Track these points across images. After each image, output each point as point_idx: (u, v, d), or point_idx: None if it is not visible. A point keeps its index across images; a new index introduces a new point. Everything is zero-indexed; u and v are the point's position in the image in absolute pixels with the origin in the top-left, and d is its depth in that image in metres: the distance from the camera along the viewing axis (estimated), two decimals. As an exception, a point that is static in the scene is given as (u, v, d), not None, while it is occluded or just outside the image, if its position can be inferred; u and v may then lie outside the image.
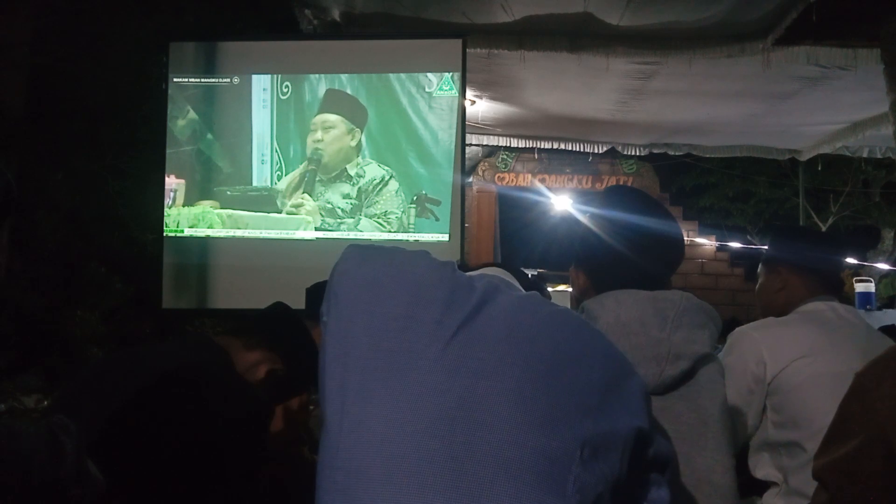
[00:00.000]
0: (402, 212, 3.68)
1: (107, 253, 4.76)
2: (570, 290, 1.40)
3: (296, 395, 1.55)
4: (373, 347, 0.80)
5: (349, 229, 3.72)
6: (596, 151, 6.66)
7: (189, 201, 3.83)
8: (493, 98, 5.10)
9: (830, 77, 4.11)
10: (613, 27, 3.71)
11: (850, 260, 7.04)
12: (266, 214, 3.78)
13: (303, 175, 3.77)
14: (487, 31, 3.83)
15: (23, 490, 0.85)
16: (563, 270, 4.88)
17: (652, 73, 4.26)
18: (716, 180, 9.12)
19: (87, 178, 4.77)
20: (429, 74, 3.71)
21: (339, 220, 3.73)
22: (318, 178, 3.76)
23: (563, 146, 6.43)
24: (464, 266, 1.07)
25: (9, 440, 0.86)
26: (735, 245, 8.20)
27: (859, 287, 5.66)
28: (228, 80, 3.85)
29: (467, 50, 3.68)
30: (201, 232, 3.81)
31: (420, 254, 0.90)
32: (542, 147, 6.58)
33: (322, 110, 3.79)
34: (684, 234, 2.46)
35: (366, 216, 3.71)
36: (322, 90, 3.80)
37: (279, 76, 3.82)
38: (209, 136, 3.85)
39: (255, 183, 3.82)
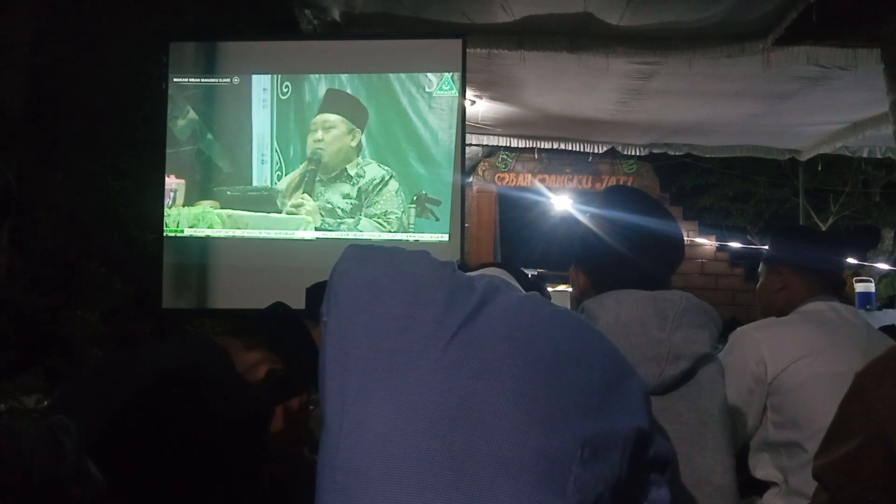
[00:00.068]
0: (402, 212, 3.68)
1: (107, 253, 4.76)
2: (570, 290, 1.40)
3: (296, 395, 1.55)
4: (373, 347, 0.80)
5: (349, 229, 3.72)
6: (596, 151, 6.66)
7: (189, 201, 3.83)
8: (493, 98, 5.10)
9: (830, 77, 4.11)
10: (613, 27, 3.71)
11: (851, 260, 7.04)
12: (266, 214, 3.78)
13: (303, 175, 3.77)
14: (487, 31, 3.83)
15: (23, 490, 0.85)
16: (563, 270, 4.87)
17: (652, 73, 4.26)
18: (716, 180, 9.12)
19: (87, 178, 4.77)
20: (429, 74, 3.71)
21: (339, 220, 3.74)
22: (318, 178, 3.76)
23: (563, 146, 6.43)
24: (464, 266, 1.07)
25: (9, 440, 0.86)
26: (735, 245, 8.20)
27: (859, 287, 5.66)
28: (228, 80, 3.85)
29: (467, 50, 3.68)
30: (201, 232, 3.81)
31: (420, 254, 0.90)
32: (542, 147, 6.58)
33: (322, 110, 3.79)
34: (684, 234, 2.46)
35: (366, 216, 3.71)
36: (322, 90, 3.80)
37: (279, 76, 3.82)
38: (209, 136, 3.85)
39: (255, 183, 3.82)
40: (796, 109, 4.88)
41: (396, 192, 3.69)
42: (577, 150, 6.53)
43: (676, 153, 6.47)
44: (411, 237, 3.65)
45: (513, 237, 8.26)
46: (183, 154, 3.85)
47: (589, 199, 5.45)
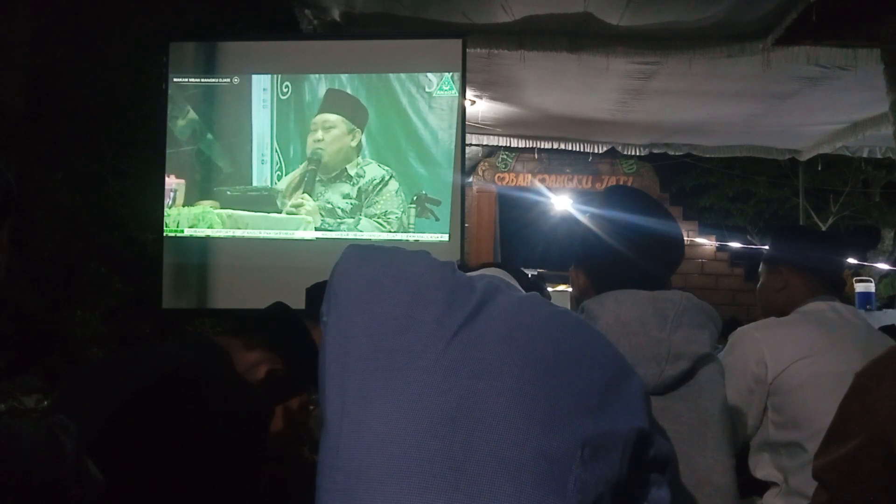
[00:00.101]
0: (402, 212, 3.68)
1: (107, 253, 4.77)
2: (570, 290, 1.40)
3: (296, 395, 1.55)
4: (373, 347, 0.80)
5: (349, 229, 3.72)
6: (596, 151, 6.66)
7: (189, 201, 3.83)
8: (493, 98, 5.10)
9: (830, 77, 4.11)
10: (613, 27, 3.71)
11: (851, 260, 7.04)
12: (266, 214, 3.78)
13: (303, 175, 3.77)
14: (487, 31, 3.83)
15: (23, 490, 0.85)
16: (563, 270, 4.87)
17: (652, 73, 4.26)
18: (716, 180, 9.12)
19: (87, 178, 4.78)
20: (429, 74, 3.71)
21: (339, 220, 3.73)
22: (318, 178, 3.76)
23: (563, 146, 6.43)
24: (464, 266, 1.07)
25: (9, 440, 0.86)
26: (735, 245, 8.20)
27: (859, 287, 5.66)
28: (228, 80, 3.85)
29: (467, 50, 3.68)
30: (201, 232, 3.81)
31: (420, 254, 0.90)
32: (542, 147, 6.58)
33: (323, 110, 3.79)
34: (684, 234, 2.46)
35: (366, 216, 3.71)
36: (322, 90, 3.80)
37: (279, 76, 3.82)
38: (209, 136, 3.85)
39: (255, 183, 3.82)
40: (796, 109, 4.88)
41: (396, 192, 3.69)
42: (577, 150, 6.53)
43: (676, 153, 6.47)
44: (411, 237, 3.65)
45: (513, 237, 8.26)
46: (183, 154, 3.85)
47: (589, 199, 5.46)
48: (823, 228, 8.56)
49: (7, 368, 3.98)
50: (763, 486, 1.72)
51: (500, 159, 8.00)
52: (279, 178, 3.80)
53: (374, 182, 3.71)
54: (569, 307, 1.15)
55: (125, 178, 4.95)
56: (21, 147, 3.64)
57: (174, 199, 3.83)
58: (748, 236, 9.39)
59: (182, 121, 3.87)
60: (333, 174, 3.75)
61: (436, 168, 3.68)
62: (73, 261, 4.67)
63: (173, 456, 1.00)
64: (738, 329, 1.81)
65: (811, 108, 4.82)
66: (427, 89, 3.70)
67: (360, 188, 3.72)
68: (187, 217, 3.81)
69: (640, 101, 4.89)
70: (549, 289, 3.55)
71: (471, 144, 6.53)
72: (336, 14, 3.87)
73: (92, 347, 4.35)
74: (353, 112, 3.76)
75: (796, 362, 1.67)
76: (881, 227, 9.13)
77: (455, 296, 0.83)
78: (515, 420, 0.74)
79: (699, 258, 7.90)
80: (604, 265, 1.28)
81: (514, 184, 8.07)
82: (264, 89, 3.83)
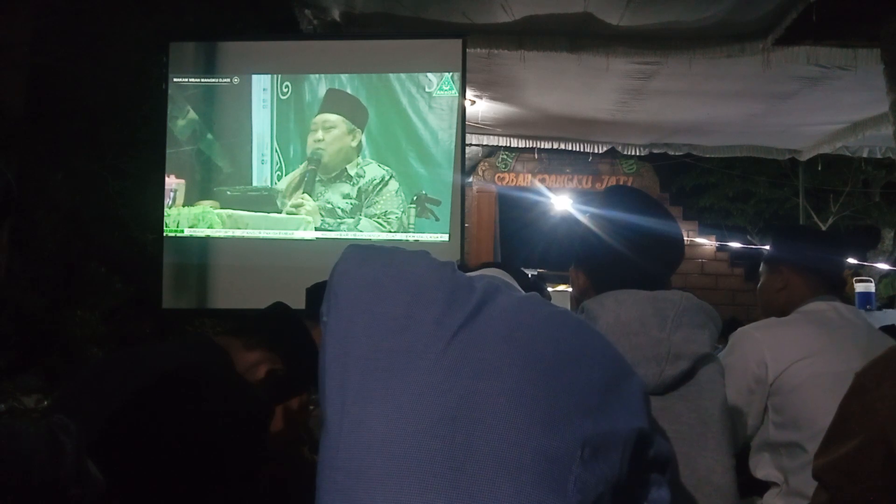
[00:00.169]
0: (402, 212, 3.68)
1: (107, 253, 4.77)
2: (570, 290, 1.40)
3: (296, 395, 1.55)
4: (373, 347, 0.80)
5: (349, 229, 3.72)
6: (596, 151, 6.66)
7: (189, 201, 3.83)
8: (493, 98, 5.10)
9: (830, 77, 4.11)
10: (613, 27, 3.71)
11: (851, 260, 7.04)
12: (266, 214, 3.78)
13: (303, 175, 3.77)
14: (487, 31, 3.83)
15: (23, 490, 0.85)
16: (563, 270, 4.87)
17: (652, 73, 4.26)
18: (716, 180, 9.12)
19: (87, 178, 4.78)
20: (429, 74, 3.71)
21: (339, 220, 3.74)
22: (318, 178, 3.76)
23: (563, 146, 6.43)
24: (463, 266, 1.07)
25: (9, 440, 0.86)
26: (735, 245, 8.20)
27: (859, 287, 5.67)
28: (228, 80, 3.85)
29: (467, 50, 3.68)
30: (201, 232, 3.81)
31: (420, 254, 0.90)
32: (542, 147, 6.59)
33: (323, 110, 3.79)
34: (684, 234, 2.46)
35: (366, 216, 3.71)
36: (322, 90, 3.81)
37: (279, 76, 3.82)
38: (209, 136, 3.85)
39: (255, 183, 3.82)
40: (796, 109, 4.89)
41: (396, 192, 3.69)
42: (577, 150, 6.53)
43: (676, 153, 6.47)
44: (411, 237, 3.66)
45: (513, 237, 8.26)
46: (183, 154, 3.86)
47: (589, 199, 5.45)
48: (823, 228, 8.56)
49: (7, 368, 3.98)
50: (763, 487, 1.72)
51: (500, 159, 8.00)
52: (279, 178, 3.80)
53: (374, 182, 3.71)
54: (569, 307, 1.15)
55: (125, 178, 4.95)
56: (21, 147, 3.64)
57: (174, 199, 3.83)
58: (748, 236, 9.39)
59: (182, 121, 3.87)
60: (333, 174, 3.75)
61: (436, 168, 3.68)
62: (73, 261, 4.67)
63: (173, 456, 1.00)
64: (739, 329, 1.81)
65: (811, 108, 4.82)
66: (427, 89, 3.70)
67: (360, 188, 3.72)
68: (187, 217, 3.82)
69: (640, 101, 4.90)
70: (549, 289, 3.55)
71: (471, 144, 6.53)
72: (336, 14, 3.87)
73: (92, 347, 4.35)
74: (354, 112, 3.76)
75: (797, 363, 1.67)
76: (881, 227, 9.13)
77: (455, 296, 0.83)
78: (515, 420, 0.74)
79: (699, 258, 7.90)
80: (604, 265, 1.28)
81: (514, 184, 8.07)
82: (264, 89, 3.83)
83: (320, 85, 3.81)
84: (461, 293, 0.83)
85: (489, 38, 3.86)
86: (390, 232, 3.67)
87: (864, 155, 6.08)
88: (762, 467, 1.72)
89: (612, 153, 6.80)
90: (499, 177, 8.05)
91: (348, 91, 3.78)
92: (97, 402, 1.14)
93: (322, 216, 3.74)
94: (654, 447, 0.81)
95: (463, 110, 3.71)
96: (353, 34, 3.95)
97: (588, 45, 3.84)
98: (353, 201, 3.73)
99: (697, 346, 1.16)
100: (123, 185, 4.95)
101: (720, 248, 8.09)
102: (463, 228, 3.74)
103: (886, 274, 8.67)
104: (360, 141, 3.75)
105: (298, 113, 3.82)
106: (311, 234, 3.74)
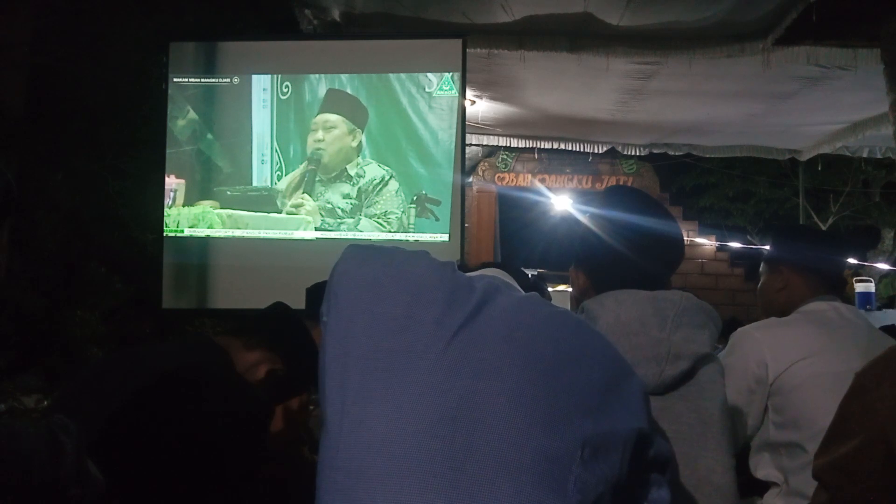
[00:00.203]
0: (402, 212, 3.68)
1: (107, 253, 4.77)
2: (570, 290, 1.40)
3: (296, 395, 1.55)
4: (373, 347, 0.80)
5: (349, 229, 3.72)
6: (596, 151, 6.66)
7: (189, 201, 3.83)
8: (493, 98, 5.10)
9: (830, 77, 4.11)
10: (613, 27, 3.71)
11: (851, 260, 7.04)
12: (266, 214, 3.78)
13: (303, 175, 3.77)
14: (487, 31, 3.83)
15: (23, 490, 0.85)
16: (563, 270, 4.87)
17: (652, 73, 4.26)
18: (716, 180, 9.12)
19: (87, 178, 4.78)
20: (429, 74, 3.71)
21: (339, 220, 3.74)
22: (318, 178, 3.76)
23: (563, 146, 6.43)
24: (463, 266, 1.07)
25: (9, 440, 0.86)
26: (735, 245, 8.20)
27: (859, 287, 5.67)
28: (228, 80, 3.85)
29: (467, 50, 3.69)
30: (201, 232, 3.81)
31: (420, 254, 0.90)
32: (542, 147, 6.59)
33: (323, 110, 3.79)
34: (684, 234, 2.46)
35: (366, 216, 3.71)
36: (322, 90, 3.81)
37: (279, 76, 3.82)
38: (209, 136, 3.85)
39: (255, 183, 3.82)
40: (796, 109, 4.89)
41: (396, 192, 3.69)
42: (577, 150, 6.53)
43: (676, 153, 6.47)
44: (411, 237, 3.66)
45: (513, 237, 8.26)
46: (183, 154, 3.86)
47: (589, 199, 5.45)
48: (823, 228, 8.56)
49: (7, 368, 3.98)
50: (763, 487, 1.72)
51: (500, 159, 8.00)
52: (279, 178, 3.80)
53: (374, 182, 3.71)
54: (569, 307, 1.15)
55: (125, 178, 4.95)
56: (21, 147, 3.64)
57: (174, 199, 3.84)
58: (748, 236, 9.39)
59: (182, 121, 3.87)
60: (333, 174, 3.75)
61: (436, 168, 3.68)
62: (73, 261, 4.67)
63: (173, 456, 1.00)
64: (739, 329, 1.81)
65: (811, 108, 4.82)
66: (427, 89, 3.70)
67: (360, 188, 3.72)
68: (187, 217, 3.82)
69: (640, 101, 4.90)
70: (549, 289, 3.55)
71: (471, 144, 6.53)
72: (336, 14, 3.87)
73: (92, 347, 4.35)
74: (354, 112, 3.76)
75: (797, 363, 1.67)
76: (881, 227, 9.13)
77: (455, 296, 0.83)
78: (515, 420, 0.74)
79: (699, 258, 7.91)
80: (604, 265, 1.28)
81: (514, 184, 8.07)
82: (264, 89, 3.83)
83: (320, 85, 3.81)
84: (461, 293, 0.83)
85: (489, 38, 3.86)
86: (390, 232, 3.67)
87: (864, 155, 6.08)
88: (762, 467, 1.72)
89: (612, 153, 6.80)
90: (499, 177, 8.05)
91: (348, 91, 3.78)
92: (97, 402, 1.14)
93: (322, 216, 3.74)
94: (654, 447, 0.81)
95: (463, 110, 3.71)
96: (353, 34, 3.95)
97: (588, 45, 3.84)
98: (353, 201, 3.73)
99: (697, 346, 1.16)
100: (123, 185, 4.95)
101: (720, 248, 8.09)
102: (463, 228, 3.74)
103: (886, 274, 8.67)
104: (361, 141, 3.75)
105: (298, 113, 3.82)
106: (311, 234, 3.74)
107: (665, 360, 1.14)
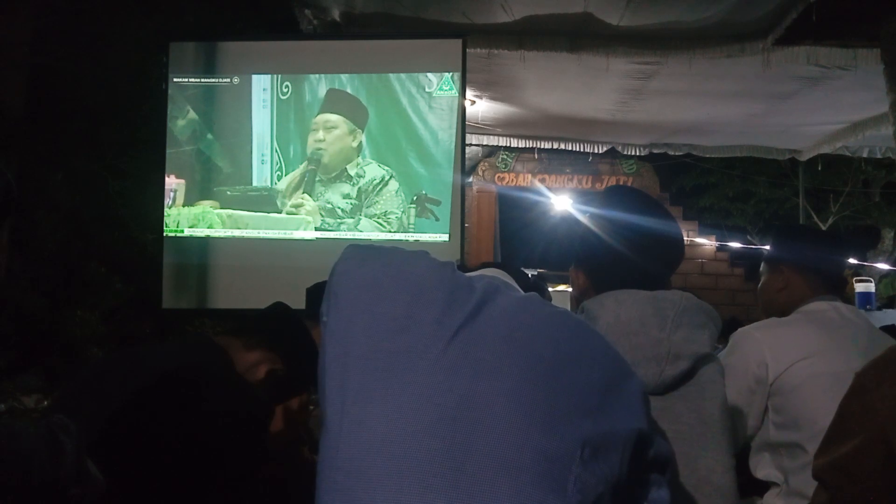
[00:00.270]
0: (402, 212, 3.68)
1: (107, 253, 4.77)
2: (570, 290, 1.40)
3: (296, 395, 1.55)
4: (373, 347, 0.80)
5: (349, 229, 3.72)
6: (596, 151, 6.66)
7: (189, 201, 3.83)
8: (493, 98, 5.10)
9: (830, 77, 4.11)
10: (613, 27, 3.71)
11: (851, 260, 7.04)
12: (266, 214, 3.78)
13: (303, 175, 3.77)
14: (487, 31, 3.83)
15: (23, 490, 0.85)
16: (563, 270, 4.87)
17: (652, 73, 4.26)
18: (716, 180, 9.12)
19: (87, 178, 4.78)
20: (429, 74, 3.71)
21: (339, 220, 3.74)
22: (318, 178, 3.76)
23: (563, 146, 6.43)
24: (463, 266, 1.07)
25: (9, 440, 0.86)
26: (735, 245, 8.20)
27: (859, 287, 5.67)
28: (228, 80, 3.85)
29: (467, 50, 3.69)
30: (201, 232, 3.81)
31: (420, 254, 0.90)
32: (542, 147, 6.59)
33: (324, 110, 3.79)
34: (684, 234, 2.46)
35: (366, 216, 3.71)
36: (322, 90, 3.81)
37: (279, 76, 3.82)
38: (209, 136, 3.85)
39: (255, 183, 3.82)
40: (796, 109, 4.89)
41: (396, 192, 3.69)
42: (577, 150, 6.53)
43: (676, 153, 6.47)
44: (411, 237, 3.66)
45: (513, 237, 8.26)
46: (183, 154, 3.86)
47: (589, 199, 5.45)
48: (823, 228, 8.56)
49: (7, 368, 3.98)
50: (763, 487, 1.72)
51: (500, 159, 8.00)
52: (279, 178, 3.80)
53: (374, 182, 3.71)
54: (569, 307, 1.15)
55: (125, 178, 4.95)
56: (21, 147, 3.64)
57: (174, 199, 3.84)
58: (748, 236, 9.39)
59: (182, 121, 3.87)
60: (333, 174, 3.75)
61: (436, 168, 3.68)
62: (73, 261, 4.67)
63: (173, 456, 1.00)
64: (739, 329, 1.81)
65: (811, 108, 4.82)
66: (427, 89, 3.70)
67: (360, 188, 3.72)
68: (187, 217, 3.82)
69: (640, 101, 4.90)
70: (549, 289, 3.55)
71: (471, 144, 6.53)
72: (336, 14, 3.87)
73: (92, 347, 4.35)
74: (354, 112, 3.76)
75: (797, 363, 1.67)
76: (881, 227, 9.13)
77: (455, 296, 0.82)
78: (515, 420, 0.74)
79: (699, 258, 7.90)
80: (604, 265, 1.28)
81: (514, 184, 8.07)
82: (264, 89, 3.83)
83: (320, 85, 3.81)
84: (461, 293, 0.83)
85: (489, 38, 3.86)
86: (390, 232, 3.67)
87: (864, 155, 6.08)
88: (762, 467, 1.72)
89: (612, 153, 6.80)
90: (499, 177, 8.05)
91: (348, 91, 3.78)
92: (97, 402, 1.14)
93: (322, 216, 3.74)
94: (653, 447, 0.81)
95: (463, 110, 3.71)
96: (353, 34, 3.95)
97: (588, 45, 3.84)
98: (353, 201, 3.73)
99: (697, 346, 1.16)
100: (123, 185, 4.95)
101: (720, 248, 8.09)
102: (463, 228, 3.74)
103: (886, 274, 8.67)
104: (361, 141, 3.75)
105: (298, 113, 3.82)
106: (311, 234, 3.74)
107: (665, 360, 1.14)
